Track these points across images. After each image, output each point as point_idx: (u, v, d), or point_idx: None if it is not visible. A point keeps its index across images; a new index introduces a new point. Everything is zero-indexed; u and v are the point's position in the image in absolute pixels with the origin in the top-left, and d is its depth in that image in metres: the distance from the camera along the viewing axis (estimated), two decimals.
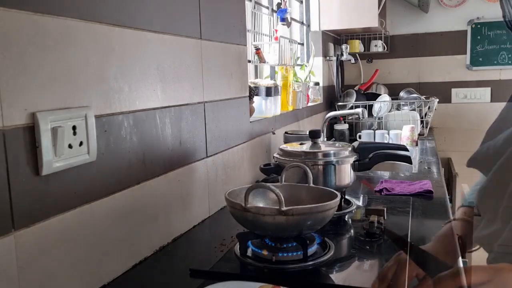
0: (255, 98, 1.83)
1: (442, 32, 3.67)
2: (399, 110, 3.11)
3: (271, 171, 1.37)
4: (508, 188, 0.72)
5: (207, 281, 0.88)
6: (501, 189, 0.73)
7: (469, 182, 1.10)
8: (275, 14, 2.36)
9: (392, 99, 3.20)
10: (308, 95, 2.69)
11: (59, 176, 0.79)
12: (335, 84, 3.32)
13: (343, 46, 3.24)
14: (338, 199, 1.00)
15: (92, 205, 0.88)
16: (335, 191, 1.04)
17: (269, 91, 1.91)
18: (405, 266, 0.73)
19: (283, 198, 0.90)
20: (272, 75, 2.39)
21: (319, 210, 0.94)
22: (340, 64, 3.32)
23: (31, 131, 0.74)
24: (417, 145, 2.59)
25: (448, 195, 1.62)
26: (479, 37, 3.62)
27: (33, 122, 0.74)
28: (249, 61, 1.88)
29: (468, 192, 0.90)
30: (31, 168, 0.74)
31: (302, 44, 3.03)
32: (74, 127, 0.81)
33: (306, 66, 2.77)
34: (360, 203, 1.46)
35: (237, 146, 1.57)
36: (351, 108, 3.08)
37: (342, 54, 3.23)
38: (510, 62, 3.57)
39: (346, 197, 1.39)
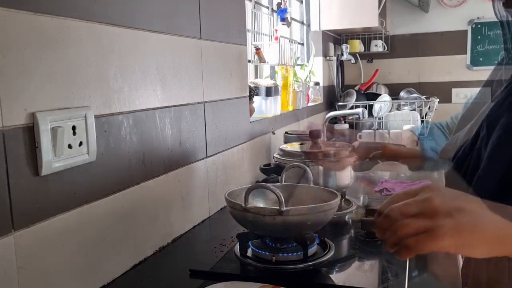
0: (255, 98, 1.83)
1: (442, 32, 3.67)
2: (399, 110, 3.11)
3: (271, 171, 1.37)
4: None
5: (207, 282, 0.88)
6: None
7: None
8: (275, 14, 2.36)
9: (392, 99, 3.20)
10: (308, 95, 2.69)
11: (58, 176, 0.79)
12: (335, 84, 3.32)
13: (343, 46, 3.24)
14: (338, 199, 1.00)
15: (91, 205, 0.88)
16: (335, 191, 1.04)
17: (269, 91, 1.91)
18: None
19: (283, 198, 0.90)
20: (272, 75, 2.39)
21: (319, 210, 0.94)
22: (340, 64, 3.32)
23: (31, 131, 0.74)
24: (417, 145, 2.58)
25: None
26: (479, 37, 3.62)
27: (32, 122, 0.74)
28: (249, 61, 1.88)
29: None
30: (31, 168, 0.74)
31: (302, 44, 3.03)
32: (73, 127, 0.81)
33: (306, 66, 2.77)
34: (360, 203, 1.46)
35: (237, 146, 1.57)
36: (351, 108, 3.08)
37: (342, 54, 3.23)
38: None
39: (346, 197, 1.38)
